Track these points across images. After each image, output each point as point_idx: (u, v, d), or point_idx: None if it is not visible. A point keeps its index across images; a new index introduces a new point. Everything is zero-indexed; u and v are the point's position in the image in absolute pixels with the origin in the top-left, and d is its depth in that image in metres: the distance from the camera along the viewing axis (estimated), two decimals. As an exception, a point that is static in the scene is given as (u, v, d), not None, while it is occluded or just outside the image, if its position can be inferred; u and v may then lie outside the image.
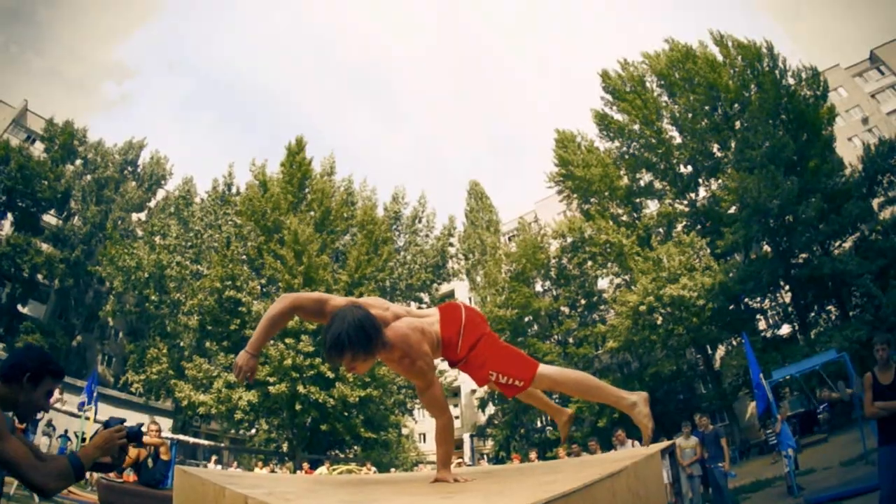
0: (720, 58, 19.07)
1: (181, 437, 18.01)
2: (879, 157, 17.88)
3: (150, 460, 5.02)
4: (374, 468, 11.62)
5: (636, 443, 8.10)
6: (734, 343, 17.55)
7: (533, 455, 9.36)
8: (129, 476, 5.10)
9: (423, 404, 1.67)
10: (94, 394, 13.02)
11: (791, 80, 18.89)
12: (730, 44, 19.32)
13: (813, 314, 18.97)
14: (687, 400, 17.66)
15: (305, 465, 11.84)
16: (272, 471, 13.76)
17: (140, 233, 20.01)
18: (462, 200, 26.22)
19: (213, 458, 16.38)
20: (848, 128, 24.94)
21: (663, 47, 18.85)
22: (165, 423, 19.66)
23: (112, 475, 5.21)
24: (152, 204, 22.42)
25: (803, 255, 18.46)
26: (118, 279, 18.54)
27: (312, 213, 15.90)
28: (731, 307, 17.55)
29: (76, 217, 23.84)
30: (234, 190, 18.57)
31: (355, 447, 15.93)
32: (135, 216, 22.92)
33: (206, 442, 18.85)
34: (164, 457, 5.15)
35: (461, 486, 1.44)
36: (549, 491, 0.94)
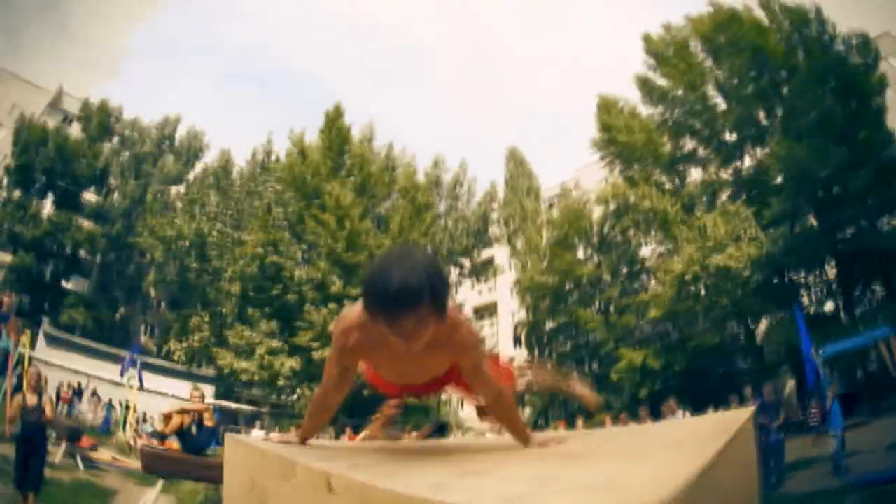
0: (766, 22, 18.28)
1: (223, 402, 18.63)
2: None
3: (193, 427, 4.95)
4: (414, 433, 11.76)
5: (687, 413, 8.03)
6: (778, 317, 17.16)
7: (580, 422, 9.31)
8: (173, 444, 5.02)
9: (497, 413, 1.34)
10: (138, 363, 13.50)
11: (840, 47, 18.02)
12: (776, 7, 18.50)
13: (858, 292, 18.38)
14: (727, 374, 17.40)
15: (348, 430, 12.04)
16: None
17: (179, 205, 20.51)
18: (501, 172, 25.82)
19: (257, 423, 16.80)
20: (898, 98, 23.71)
21: (707, 10, 18.13)
22: (207, 391, 20.33)
23: (155, 442, 5.28)
24: (190, 177, 22.92)
25: (850, 230, 17.83)
26: (159, 249, 19.06)
27: (353, 178, 16.01)
28: (775, 280, 17.11)
29: (115, 193, 24.55)
30: (273, 158, 18.81)
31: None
32: (173, 189, 23.50)
33: (247, 407, 19.46)
34: (207, 423, 5.07)
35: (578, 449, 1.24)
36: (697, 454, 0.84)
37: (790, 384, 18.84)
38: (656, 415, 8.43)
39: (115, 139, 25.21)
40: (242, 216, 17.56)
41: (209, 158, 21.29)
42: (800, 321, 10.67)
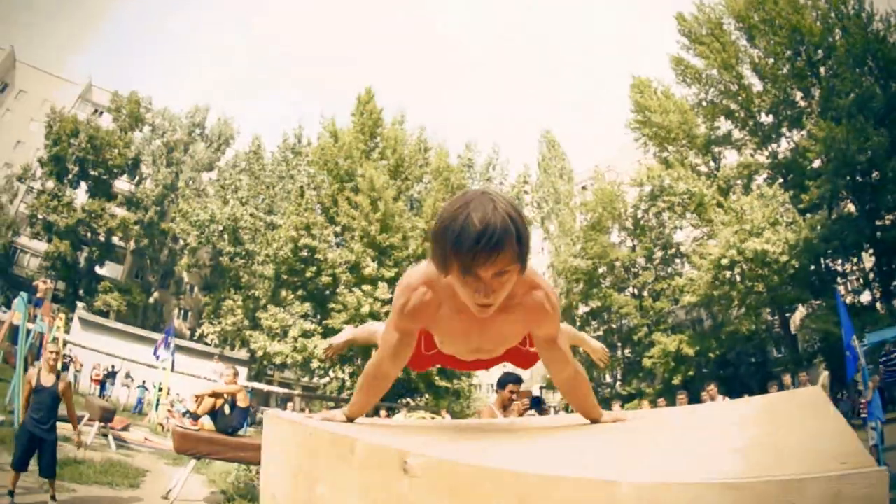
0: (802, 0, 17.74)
1: (255, 384, 19.10)
2: None
3: (227, 407, 4.87)
4: (448, 415, 11.92)
5: (726, 398, 7.92)
6: (814, 306, 16.80)
7: (617, 406, 9.24)
8: (205, 424, 4.92)
9: (571, 393, 1.20)
10: (172, 345, 13.87)
11: (879, 25, 17.39)
12: (813, -16, 17.92)
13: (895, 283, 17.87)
14: (760, 363, 17.13)
15: (383, 412, 12.25)
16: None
17: (211, 191, 20.94)
18: (534, 155, 25.52)
19: (289, 405, 17.13)
20: (940, 82, 22.80)
21: (743, -11, 17.65)
22: (241, 373, 20.77)
23: (188, 422, 5.17)
24: (222, 163, 23.35)
25: (889, 217, 17.31)
26: (192, 234, 19.47)
27: (385, 161, 16.13)
28: (811, 267, 16.73)
29: (148, 180, 25.16)
30: (304, 142, 19.06)
31: (426, 395, 16.43)
32: (205, 175, 23.97)
33: (279, 389, 19.90)
34: (241, 404, 4.92)
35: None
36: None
37: (823, 376, 18.52)
38: (694, 401, 8.36)
39: (146, 128, 25.80)
40: (275, 200, 17.87)
41: (240, 144, 21.72)
42: (841, 308, 10.45)
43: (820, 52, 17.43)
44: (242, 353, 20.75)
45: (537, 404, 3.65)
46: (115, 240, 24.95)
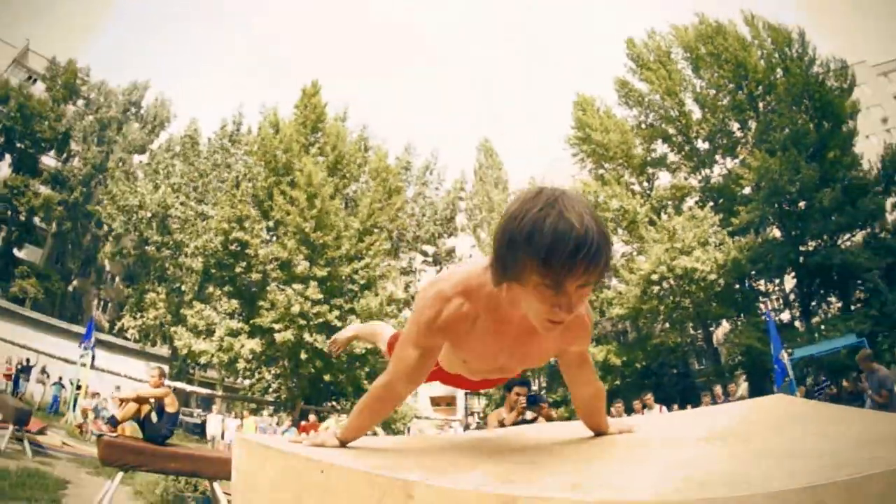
0: (749, 38, 18.77)
1: (177, 384, 17.83)
2: None
3: (153, 414, 4.38)
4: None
5: (664, 408, 8.00)
6: (737, 322, 17.65)
7: (555, 414, 9.03)
8: (127, 429, 4.44)
9: (588, 411, 1.16)
10: (93, 339, 12.65)
11: (819, 70, 18.67)
12: (760, 25, 19.02)
13: (814, 303, 19.11)
14: (683, 374, 17.79)
15: (312, 417, 11.62)
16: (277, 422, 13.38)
17: (142, 175, 19.52)
18: (471, 163, 25.64)
19: (213, 407, 16.12)
20: (867, 125, 24.78)
21: (692, 21, 18.48)
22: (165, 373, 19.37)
23: (106, 428, 4.66)
24: (155, 146, 21.90)
25: (812, 244, 18.51)
26: (119, 220, 18.07)
27: (324, 157, 15.54)
28: (737, 286, 17.61)
29: (76, 158, 23.20)
30: (244, 129, 18.12)
31: (353, 399, 15.86)
32: (137, 158, 22.38)
33: (201, 390, 18.71)
34: (169, 409, 4.42)
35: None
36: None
37: (742, 388, 19.54)
38: (629, 410, 8.43)
39: (80, 102, 23.84)
40: (208, 189, 16.82)
41: (176, 128, 20.44)
42: (771, 325, 11.01)
43: (761, 88, 18.48)
44: (164, 350, 19.37)
45: (534, 402, 3.51)
46: (37, 220, 22.83)
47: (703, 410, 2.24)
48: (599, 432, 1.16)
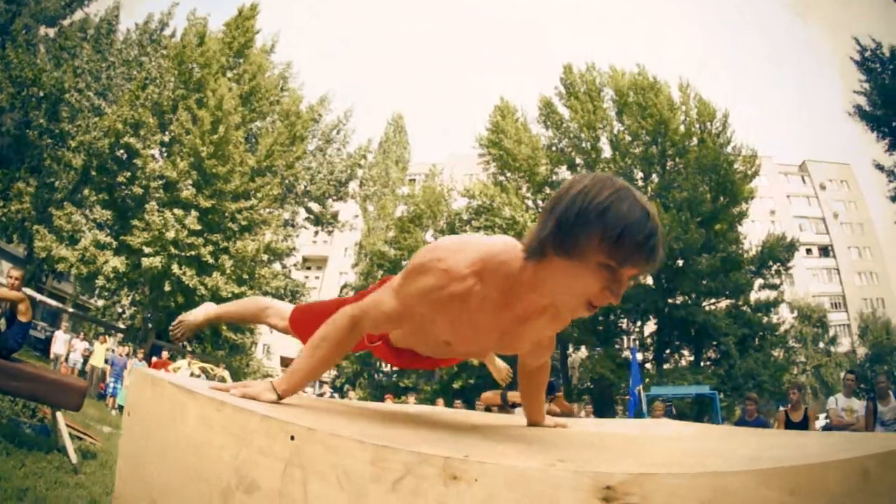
0: (678, 102, 20.62)
1: (29, 291, 16.39)
2: (776, 248, 20.62)
3: (2, 320, 3.82)
4: (225, 370, 11.26)
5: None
6: (595, 352, 19.48)
7: (390, 400, 9.00)
8: None
9: (533, 383, 1.17)
10: None
11: (730, 150, 20.97)
12: (692, 94, 20.95)
13: (668, 351, 21.62)
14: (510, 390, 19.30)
15: (165, 353, 11.25)
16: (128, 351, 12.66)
17: (44, 50, 17.45)
18: (379, 133, 25.27)
19: (63, 325, 14.83)
20: (757, 211, 28.35)
21: (633, 69, 19.92)
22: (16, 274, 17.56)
23: None
24: (67, 22, 19.65)
25: (681, 298, 20.87)
26: (7, 91, 16.07)
27: (240, 85, 14.91)
28: (601, 318, 19.42)
29: (-26, 10, 20.16)
30: (167, 31, 16.81)
31: (210, 344, 15.47)
32: (44, 29, 19.94)
33: (51, 301, 17.20)
34: (21, 318, 3.85)
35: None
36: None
37: (583, 412, 21.78)
38: (470, 408, 8.96)
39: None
40: (111, 85, 15.47)
41: (95, 9, 18.43)
42: (634, 362, 12.20)
43: (673, 149, 20.41)
44: (20, 250, 17.65)
45: (549, 390, 2.94)
46: None
47: (611, 421, 2.34)
48: (534, 423, 1.16)
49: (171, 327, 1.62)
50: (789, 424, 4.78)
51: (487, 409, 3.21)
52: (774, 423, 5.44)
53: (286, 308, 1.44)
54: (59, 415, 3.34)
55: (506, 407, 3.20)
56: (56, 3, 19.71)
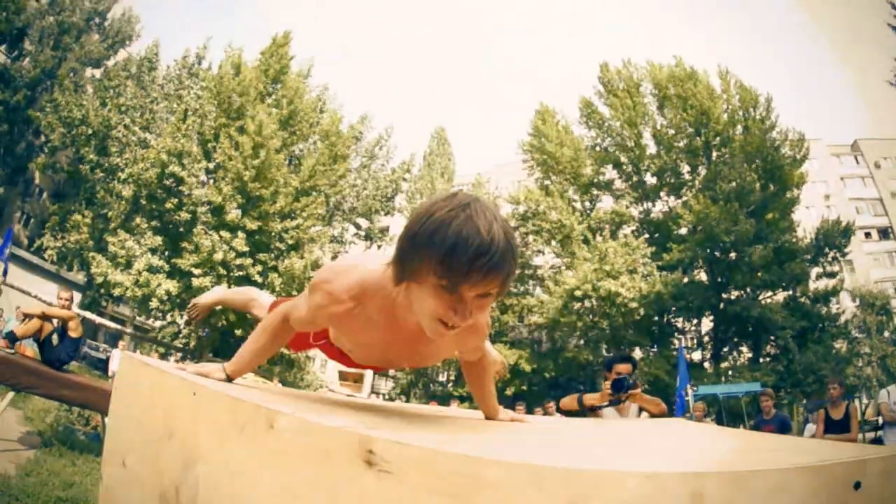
0: (718, 91, 19.68)
1: (87, 314, 17.07)
2: (831, 234, 19.22)
3: (55, 336, 4.16)
4: (280, 383, 11.38)
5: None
6: (650, 352, 18.54)
7: (455, 404, 8.82)
8: (26, 349, 4.29)
9: (476, 378, 1.17)
10: (7, 251, 12.04)
11: (776, 135, 19.81)
12: (732, 81, 19.97)
13: (726, 349, 20.33)
14: (588, 392, 18.52)
15: (173, 358, 11.45)
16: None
17: (91, 90, 18.46)
18: (423, 147, 25.69)
19: (121, 343, 15.62)
20: (810, 197, 26.65)
21: (669, 62, 19.20)
22: (74, 299, 18.40)
23: (4, 343, 4.42)
24: (111, 63, 20.75)
25: (735, 293, 19.67)
26: (58, 131, 17.07)
27: (278, 110, 15.21)
28: (655, 318, 18.49)
29: (27, 59, 21.61)
30: (205, 65, 17.47)
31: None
32: (90, 72, 21.12)
33: (111, 324, 17.93)
34: (72, 334, 4.23)
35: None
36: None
37: (643, 416, 20.66)
38: (529, 413, 8.58)
39: (44, 0, 22.24)
40: (155, 118, 16.10)
41: (136, 48, 19.35)
42: (682, 361, 11.61)
43: (718, 139, 19.44)
44: (80, 277, 18.49)
45: (619, 388, 2.77)
46: (-29, 116, 21.09)
47: (600, 420, 2.27)
48: (489, 418, 1.18)
49: (186, 309, 1.79)
50: (829, 423, 4.30)
51: (567, 413, 2.98)
52: (815, 422, 4.87)
53: (267, 301, 1.52)
54: (108, 421, 3.48)
55: (584, 411, 2.95)
56: (99, 46, 20.92)
